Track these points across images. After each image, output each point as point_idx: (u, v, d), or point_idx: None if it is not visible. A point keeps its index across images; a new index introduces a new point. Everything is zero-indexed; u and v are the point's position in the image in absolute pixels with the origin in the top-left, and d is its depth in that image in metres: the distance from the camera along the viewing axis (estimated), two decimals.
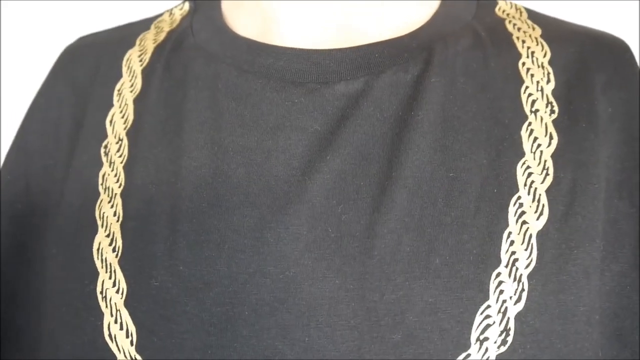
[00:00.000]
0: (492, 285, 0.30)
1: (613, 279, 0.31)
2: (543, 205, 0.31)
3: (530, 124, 0.33)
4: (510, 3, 0.39)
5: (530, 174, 0.32)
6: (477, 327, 0.29)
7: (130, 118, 0.36)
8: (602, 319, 0.31)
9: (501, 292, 0.29)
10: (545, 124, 0.33)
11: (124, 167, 0.35)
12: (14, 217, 0.37)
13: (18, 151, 0.39)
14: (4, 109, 0.66)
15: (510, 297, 0.29)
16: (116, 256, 0.32)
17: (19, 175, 0.38)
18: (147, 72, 0.38)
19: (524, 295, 0.30)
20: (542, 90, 0.34)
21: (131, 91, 0.37)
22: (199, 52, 0.37)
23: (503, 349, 0.29)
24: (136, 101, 0.37)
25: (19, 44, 0.66)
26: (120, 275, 0.32)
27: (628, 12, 0.60)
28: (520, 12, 0.38)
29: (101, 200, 0.34)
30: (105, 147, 0.36)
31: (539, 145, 0.32)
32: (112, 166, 0.35)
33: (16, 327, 0.36)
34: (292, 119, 0.33)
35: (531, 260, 0.30)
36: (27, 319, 0.36)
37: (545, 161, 0.32)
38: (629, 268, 0.31)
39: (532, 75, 0.34)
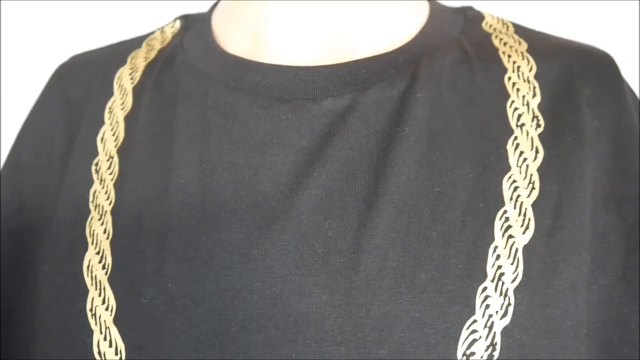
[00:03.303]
0: (478, 299, 0.30)
1: (601, 292, 0.31)
2: (529, 219, 0.31)
3: (516, 138, 0.33)
4: (497, 17, 0.39)
5: (516, 188, 0.32)
6: (464, 342, 0.29)
7: (121, 136, 0.37)
8: (590, 333, 0.31)
9: (487, 306, 0.29)
10: (531, 138, 0.33)
11: (115, 185, 0.35)
12: (8, 234, 0.38)
13: (12, 167, 0.40)
14: (4, 110, 0.67)
15: (497, 312, 0.29)
16: (106, 273, 0.33)
17: (13, 191, 0.39)
18: (137, 90, 0.38)
19: (510, 309, 0.30)
20: (528, 104, 0.34)
21: (122, 109, 0.37)
22: (188, 69, 0.37)
23: None
24: (127, 119, 0.37)
25: (19, 45, 0.67)
26: (109, 293, 0.32)
27: (628, 12, 0.60)
28: (507, 27, 0.38)
29: (91, 218, 0.34)
30: (96, 164, 0.36)
31: (524, 159, 0.32)
32: (102, 184, 0.35)
33: (13, 344, 0.37)
34: (279, 136, 0.33)
35: (517, 275, 0.30)
36: (22, 336, 0.36)
37: (531, 175, 0.32)
38: (617, 281, 0.31)
39: (517, 90, 0.34)
